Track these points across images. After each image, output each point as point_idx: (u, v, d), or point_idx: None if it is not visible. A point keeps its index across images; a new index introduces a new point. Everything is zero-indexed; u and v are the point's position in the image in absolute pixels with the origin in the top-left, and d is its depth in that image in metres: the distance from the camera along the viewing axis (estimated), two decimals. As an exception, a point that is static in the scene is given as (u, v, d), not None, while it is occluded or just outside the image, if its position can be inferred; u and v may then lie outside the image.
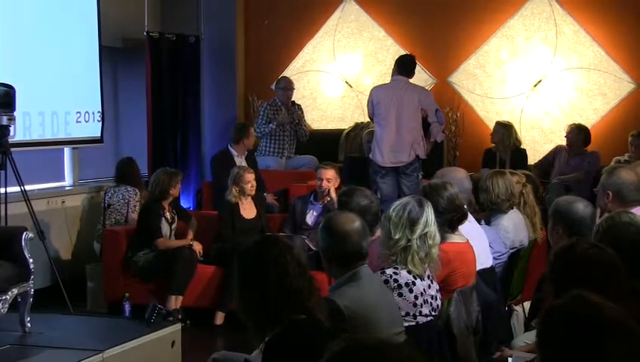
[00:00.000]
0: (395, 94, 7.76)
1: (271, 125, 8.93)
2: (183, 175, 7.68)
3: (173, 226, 7.37)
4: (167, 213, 7.32)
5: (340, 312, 3.33)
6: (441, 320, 4.14)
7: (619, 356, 2.01)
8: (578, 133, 8.34)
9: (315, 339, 2.83)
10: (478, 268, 4.80)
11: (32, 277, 5.38)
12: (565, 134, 8.44)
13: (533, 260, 5.82)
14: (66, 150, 8.61)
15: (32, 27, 7.87)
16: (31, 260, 5.37)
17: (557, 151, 8.55)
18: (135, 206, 7.85)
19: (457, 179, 5.11)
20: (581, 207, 4.32)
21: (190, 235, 7.40)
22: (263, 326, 2.96)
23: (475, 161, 8.51)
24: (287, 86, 9.13)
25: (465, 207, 4.67)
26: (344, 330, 3.15)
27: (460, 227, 4.77)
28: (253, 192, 7.41)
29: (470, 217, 5.10)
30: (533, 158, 8.75)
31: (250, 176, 7.36)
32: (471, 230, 4.92)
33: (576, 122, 8.54)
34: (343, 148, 9.25)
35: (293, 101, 9.24)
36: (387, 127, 7.74)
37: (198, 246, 7.22)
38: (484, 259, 4.92)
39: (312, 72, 9.92)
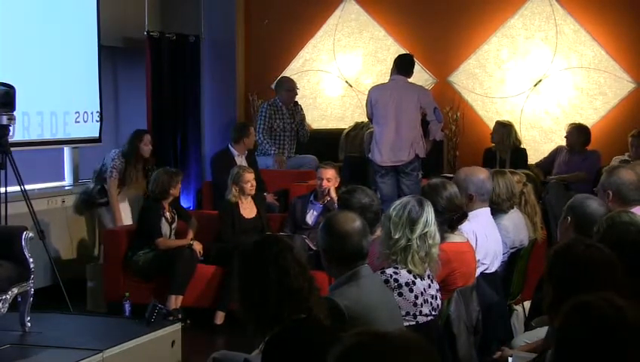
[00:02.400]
0: (394, 94, 7.76)
1: (270, 149, 8.90)
2: (183, 175, 7.67)
3: (174, 226, 7.37)
4: (167, 213, 7.32)
5: (340, 312, 3.33)
6: (441, 319, 4.14)
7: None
8: (578, 133, 8.35)
9: (314, 339, 2.84)
10: (483, 271, 4.82)
11: (32, 276, 5.39)
12: (565, 134, 8.45)
13: (533, 260, 5.81)
14: (66, 150, 8.61)
15: (32, 27, 7.86)
16: (31, 260, 5.38)
17: (558, 151, 8.56)
18: (112, 171, 7.81)
19: (479, 181, 5.04)
20: (594, 204, 4.36)
21: (190, 235, 7.40)
22: (263, 325, 2.96)
23: (475, 160, 8.46)
24: (292, 87, 9.13)
25: (465, 207, 4.67)
26: (344, 330, 3.15)
27: (479, 225, 4.78)
28: (253, 192, 7.42)
29: (491, 219, 5.10)
30: (533, 158, 8.75)
31: (249, 176, 7.37)
32: (489, 230, 4.94)
33: (577, 122, 8.54)
34: (343, 148, 9.24)
35: (296, 101, 9.24)
36: (386, 127, 7.74)
37: (198, 246, 7.22)
38: (490, 259, 4.92)
39: (312, 72, 9.92)
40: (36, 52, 7.87)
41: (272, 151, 8.92)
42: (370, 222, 3.98)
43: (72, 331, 5.47)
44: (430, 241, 3.92)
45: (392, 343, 1.79)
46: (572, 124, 8.47)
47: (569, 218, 4.35)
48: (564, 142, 8.55)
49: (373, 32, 9.67)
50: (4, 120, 6.49)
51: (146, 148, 7.89)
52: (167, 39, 9.27)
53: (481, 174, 5.14)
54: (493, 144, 8.69)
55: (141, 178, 7.86)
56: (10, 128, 6.61)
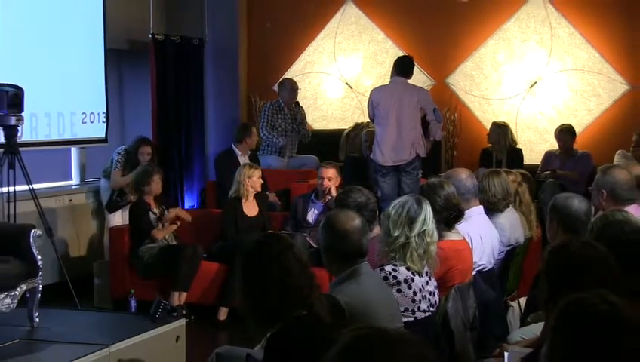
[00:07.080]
0: (395, 95, 7.79)
1: (278, 140, 8.99)
2: (161, 172, 7.59)
3: (163, 220, 7.42)
4: (155, 209, 7.38)
5: (341, 308, 3.38)
6: (438, 315, 4.20)
7: (633, 353, 2.05)
8: (571, 135, 8.39)
9: (315, 335, 2.85)
10: (479, 269, 4.89)
11: (41, 273, 5.42)
12: (557, 139, 8.46)
13: (529, 257, 5.87)
14: (73, 150, 8.66)
15: (39, 29, 7.92)
16: (39, 257, 5.41)
17: (547, 157, 8.55)
18: (117, 164, 7.96)
19: (458, 179, 5.11)
20: (576, 202, 4.40)
21: (172, 214, 7.48)
22: (264, 322, 2.97)
23: (472, 160, 8.56)
24: (293, 87, 9.18)
25: (462, 206, 4.75)
26: (344, 326, 3.21)
27: (472, 226, 4.87)
28: (259, 188, 7.54)
29: (485, 218, 5.17)
30: (528, 158, 8.80)
31: (258, 173, 7.49)
32: (483, 230, 5.02)
33: (564, 124, 8.53)
34: (344, 148, 9.26)
35: (297, 102, 9.30)
36: (387, 128, 7.76)
37: (182, 213, 7.50)
38: (487, 259, 5.00)
39: (313, 74, 10.00)
40: (44, 55, 7.94)
41: (280, 143, 8.97)
42: (366, 218, 4.04)
43: (79, 326, 5.48)
44: (428, 239, 3.98)
45: (388, 338, 1.81)
46: (561, 127, 8.46)
47: (555, 223, 4.41)
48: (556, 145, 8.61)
49: (373, 34, 9.74)
50: (13, 121, 6.54)
51: (142, 158, 7.91)
52: (172, 42, 9.32)
53: (461, 174, 5.20)
54: (490, 144, 8.75)
55: None
56: (19, 129, 6.67)
